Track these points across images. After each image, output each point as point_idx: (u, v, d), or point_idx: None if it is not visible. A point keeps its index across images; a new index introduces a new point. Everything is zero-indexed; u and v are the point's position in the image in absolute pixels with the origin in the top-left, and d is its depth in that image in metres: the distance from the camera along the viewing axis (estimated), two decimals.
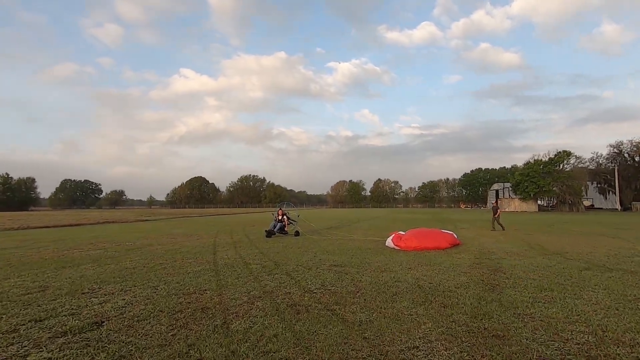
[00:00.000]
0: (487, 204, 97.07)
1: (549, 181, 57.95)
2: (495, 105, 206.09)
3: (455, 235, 12.65)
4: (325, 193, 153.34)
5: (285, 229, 15.59)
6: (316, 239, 14.28)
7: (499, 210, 18.73)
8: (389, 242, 11.72)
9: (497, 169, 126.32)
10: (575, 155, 59.04)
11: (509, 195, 71.83)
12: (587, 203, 65.81)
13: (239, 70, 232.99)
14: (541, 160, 61.54)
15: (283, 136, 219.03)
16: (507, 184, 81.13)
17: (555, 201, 66.78)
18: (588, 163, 66.30)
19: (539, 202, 63.89)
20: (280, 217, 15.69)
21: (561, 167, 60.01)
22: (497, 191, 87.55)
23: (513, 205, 64.23)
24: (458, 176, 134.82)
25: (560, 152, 59.55)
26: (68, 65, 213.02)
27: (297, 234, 15.57)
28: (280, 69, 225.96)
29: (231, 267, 8.17)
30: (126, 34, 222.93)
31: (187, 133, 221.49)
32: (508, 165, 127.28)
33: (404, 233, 12.20)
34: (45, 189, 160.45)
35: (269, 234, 14.98)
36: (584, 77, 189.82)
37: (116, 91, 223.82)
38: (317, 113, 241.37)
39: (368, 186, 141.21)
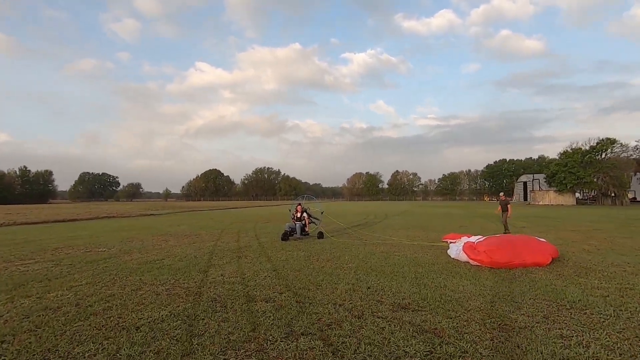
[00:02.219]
0: (514, 197, 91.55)
1: (590, 172, 52.64)
2: (516, 94, 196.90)
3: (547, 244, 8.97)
4: (340, 185, 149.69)
5: (306, 229, 12.25)
6: (347, 244, 10.87)
7: (509, 207, 14.40)
8: (458, 253, 8.19)
9: (523, 159, 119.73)
10: (621, 143, 53.34)
11: (539, 187, 66.57)
12: (629, 195, 60.09)
13: (253, 62, 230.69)
14: (580, 149, 56.12)
15: (297, 128, 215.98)
16: (537, 176, 75.70)
17: (593, 194, 61.42)
18: (631, 152, 60.36)
19: (576, 194, 58.61)
20: (299, 215, 12.34)
21: (604, 156, 54.50)
22: (525, 183, 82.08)
23: (547, 198, 59.12)
24: (477, 168, 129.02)
25: (602, 139, 54.00)
26: (89, 60, 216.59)
27: (320, 235, 12.21)
28: (295, 60, 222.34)
29: (222, 305, 4.85)
30: (144, 28, 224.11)
31: (203, 126, 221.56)
32: (534, 156, 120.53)
33: (475, 241, 8.61)
34: (65, 182, 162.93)
35: (286, 236, 11.68)
36: (612, 64, 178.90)
37: (135, 85, 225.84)
38: (331, 105, 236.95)
39: (385, 178, 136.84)
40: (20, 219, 22.20)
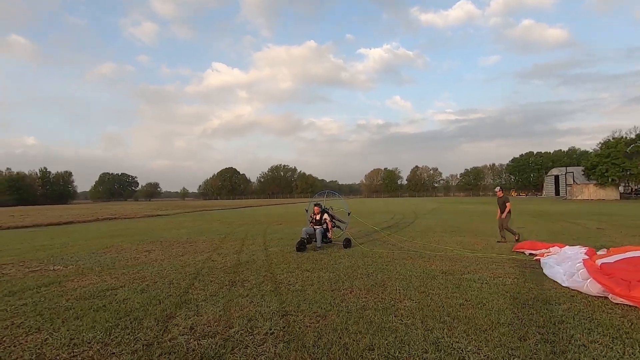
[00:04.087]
0: (543, 192, 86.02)
1: (637, 163, 47.55)
2: (538, 86, 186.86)
3: None
4: (358, 182, 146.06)
5: (329, 234, 9.38)
6: (386, 257, 7.93)
7: (508, 205, 10.38)
8: (576, 278, 5.12)
9: (552, 152, 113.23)
10: None
11: (573, 181, 61.36)
12: None
13: (269, 61, 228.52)
14: (625, 137, 50.99)
15: (313, 126, 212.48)
16: (571, 168, 70.32)
17: (636, 187, 55.92)
18: None
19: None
20: (318, 217, 9.48)
21: None
22: (556, 177, 76.72)
23: (587, 192, 54.14)
24: (498, 162, 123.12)
25: None
26: (109, 64, 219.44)
27: (347, 243, 9.31)
28: (310, 58, 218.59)
29: None
30: (161, 31, 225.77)
31: (220, 126, 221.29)
32: (558, 148, 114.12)
33: (602, 262, 5.51)
34: (87, 183, 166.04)
35: (302, 245, 8.86)
36: None
37: (153, 87, 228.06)
38: (347, 102, 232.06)
39: (404, 174, 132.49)
40: (8, 223, 20.25)
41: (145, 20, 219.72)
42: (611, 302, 4.45)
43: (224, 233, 13.41)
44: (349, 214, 10.18)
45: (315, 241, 9.08)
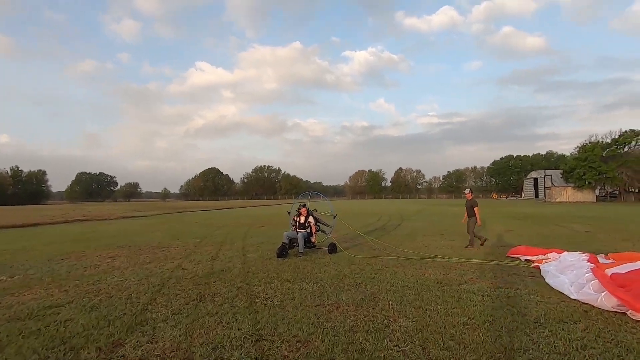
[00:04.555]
0: (523, 194, 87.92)
1: (612, 166, 48.90)
2: (518, 91, 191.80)
3: None
4: (342, 184, 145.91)
5: (313, 239, 8.68)
6: (374, 264, 7.31)
7: (476, 210, 9.60)
8: (587, 290, 4.60)
9: (530, 155, 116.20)
10: None
11: (551, 184, 62.82)
12: None
13: (254, 62, 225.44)
14: (601, 142, 52.42)
15: (298, 127, 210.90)
16: (549, 171, 72.10)
17: (612, 190, 57.73)
18: None
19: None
20: (302, 220, 8.78)
21: (626, 149, 50.82)
22: (535, 179, 78.48)
23: (565, 194, 55.40)
24: (481, 165, 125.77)
25: (626, 132, 50.24)
26: (89, 61, 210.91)
27: (332, 249, 8.64)
28: (295, 60, 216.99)
29: None
30: (144, 29, 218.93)
31: (204, 126, 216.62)
32: (538, 152, 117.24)
33: (613, 272, 5.04)
34: (64, 183, 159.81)
35: (283, 251, 8.14)
36: (614, 60, 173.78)
37: (135, 85, 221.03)
38: (332, 104, 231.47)
39: (388, 176, 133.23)
40: None
41: (127, 17, 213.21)
42: (631, 319, 3.94)
43: (201, 237, 12.52)
44: (334, 216, 9.51)
45: (297, 246, 8.38)
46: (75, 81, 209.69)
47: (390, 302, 4.73)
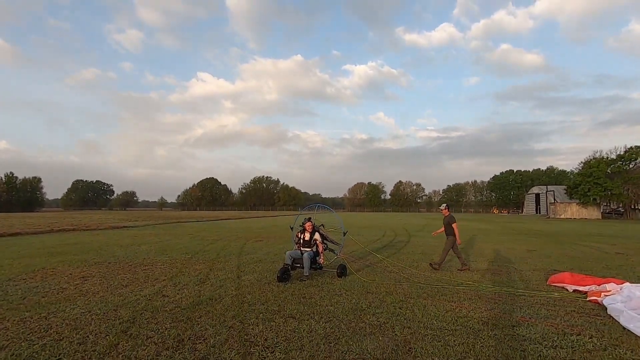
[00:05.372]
0: (524, 209, 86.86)
1: (618, 183, 47.99)
2: (516, 107, 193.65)
3: None
4: (341, 196, 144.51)
5: (320, 259, 7.44)
6: (398, 296, 6.08)
7: (454, 227, 8.50)
8: None
9: (531, 170, 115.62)
10: None
11: (554, 200, 61.82)
12: None
13: (255, 73, 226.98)
14: (606, 158, 51.65)
15: (298, 139, 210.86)
16: (552, 187, 71.20)
17: (616, 207, 56.68)
18: None
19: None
20: (307, 236, 7.56)
21: (631, 166, 50.01)
22: (537, 195, 77.49)
23: (570, 211, 54.31)
24: (479, 179, 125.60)
25: (632, 147, 49.50)
26: (92, 70, 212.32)
27: (341, 271, 7.39)
28: (296, 72, 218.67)
29: None
30: (147, 39, 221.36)
31: (203, 135, 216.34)
32: (535, 168, 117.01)
33: None
34: (59, 190, 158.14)
35: (285, 274, 6.91)
36: (611, 78, 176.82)
37: (136, 95, 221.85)
38: (332, 116, 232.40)
39: (387, 189, 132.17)
40: None
41: (130, 27, 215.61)
42: None
43: (192, 252, 11.26)
44: (344, 233, 8.28)
45: (302, 267, 7.15)
46: (76, 89, 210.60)
47: (431, 354, 3.51)
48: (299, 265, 7.26)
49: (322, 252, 7.50)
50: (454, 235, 8.51)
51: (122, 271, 8.01)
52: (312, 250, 7.42)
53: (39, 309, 5.05)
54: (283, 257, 9.81)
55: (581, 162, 55.81)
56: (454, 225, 8.53)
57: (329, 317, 4.71)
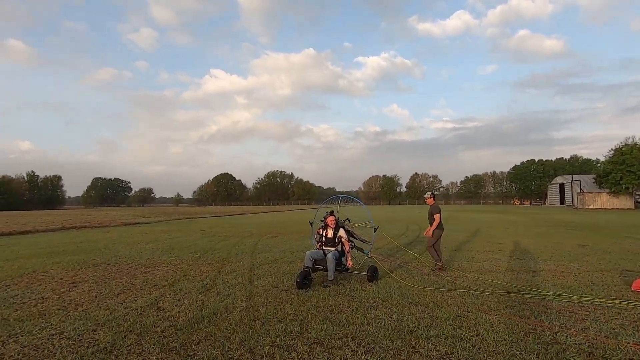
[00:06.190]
0: (547, 200, 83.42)
1: None
2: (535, 95, 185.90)
3: None
4: (355, 189, 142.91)
5: (348, 262, 6.22)
6: (450, 308, 4.83)
7: (436, 217, 7.31)
8: None
9: (553, 160, 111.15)
10: None
11: (580, 189, 58.69)
12: None
13: (267, 68, 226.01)
14: (637, 144, 48.42)
15: (311, 133, 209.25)
16: (577, 176, 67.89)
17: None
18: None
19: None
20: (330, 234, 6.37)
21: None
22: (561, 185, 74.17)
23: (600, 201, 51.35)
24: (496, 170, 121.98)
25: None
26: (107, 69, 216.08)
27: (372, 274, 6.14)
28: (308, 66, 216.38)
29: None
30: (160, 37, 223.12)
31: (217, 131, 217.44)
32: (564, 156, 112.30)
33: None
34: (80, 188, 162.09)
35: (305, 279, 5.73)
36: (637, 61, 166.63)
37: (151, 93, 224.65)
38: (345, 109, 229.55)
39: (403, 182, 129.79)
40: None
41: (144, 26, 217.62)
42: None
43: (201, 250, 10.25)
44: (375, 229, 7.02)
45: (325, 270, 5.97)
46: (93, 89, 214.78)
47: None
48: (321, 267, 6.08)
49: (348, 252, 6.29)
50: (440, 228, 7.38)
51: (120, 275, 7.01)
52: (336, 249, 6.23)
53: (5, 329, 4.04)
54: (301, 255, 8.70)
55: (611, 150, 52.51)
56: (436, 216, 7.35)
57: (369, 343, 3.52)
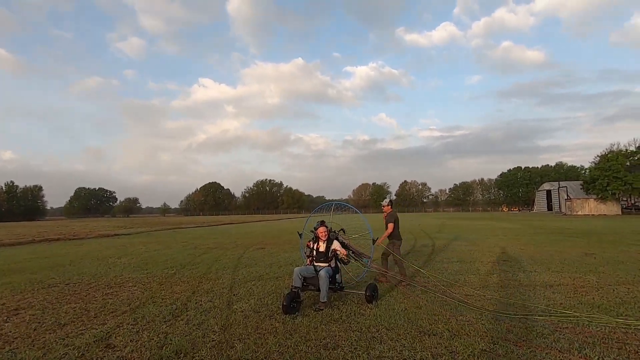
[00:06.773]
0: (535, 207, 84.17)
1: (639, 176, 45.46)
2: (519, 104, 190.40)
3: None
4: (345, 197, 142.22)
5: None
6: (469, 340, 3.97)
7: (390, 226, 6.97)
8: None
9: (539, 167, 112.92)
10: None
11: (567, 196, 59.23)
12: None
13: (257, 78, 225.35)
14: (625, 150, 49.18)
15: (300, 141, 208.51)
16: (564, 183, 68.70)
17: (635, 201, 54.03)
18: None
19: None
20: (322, 247, 5.48)
21: None
22: (549, 191, 75.00)
23: (587, 207, 51.72)
24: (484, 177, 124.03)
25: None
26: (95, 78, 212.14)
27: (371, 294, 5.23)
28: (297, 75, 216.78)
29: None
30: (149, 46, 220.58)
31: (206, 140, 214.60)
32: (549, 164, 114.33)
33: None
34: (63, 198, 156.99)
35: (293, 302, 4.81)
36: (615, 73, 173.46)
37: (139, 101, 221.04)
38: (334, 118, 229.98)
39: (392, 189, 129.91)
40: None
41: (132, 35, 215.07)
42: None
43: (178, 265, 9.20)
44: (373, 241, 6.15)
45: (317, 290, 5.07)
46: (80, 97, 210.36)
47: None
48: (312, 287, 5.18)
49: (344, 255, 5.37)
50: (397, 238, 6.99)
51: (75, 298, 5.96)
52: (329, 265, 5.34)
53: None
54: (289, 270, 7.77)
55: (597, 156, 53.29)
56: (390, 224, 6.85)
57: None
